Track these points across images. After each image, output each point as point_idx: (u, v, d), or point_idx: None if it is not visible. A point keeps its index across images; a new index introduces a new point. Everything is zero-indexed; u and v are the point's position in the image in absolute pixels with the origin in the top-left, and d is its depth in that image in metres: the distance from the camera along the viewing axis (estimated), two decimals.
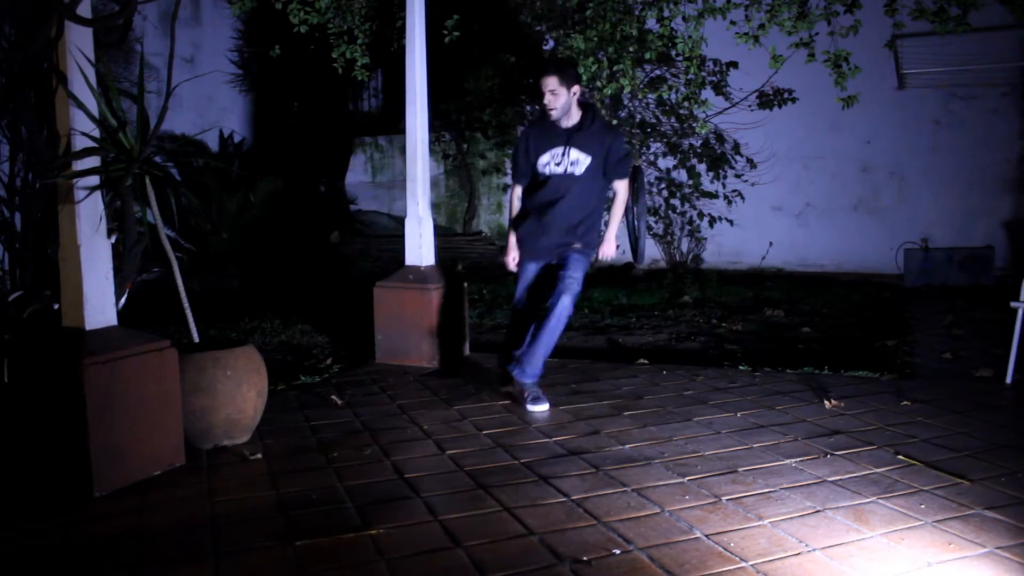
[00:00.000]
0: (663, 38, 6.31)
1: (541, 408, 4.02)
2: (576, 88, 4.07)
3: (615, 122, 8.55)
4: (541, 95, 4.08)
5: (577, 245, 4.12)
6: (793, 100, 8.49)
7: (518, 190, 4.34)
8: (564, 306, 3.99)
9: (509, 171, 10.22)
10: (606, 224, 4.29)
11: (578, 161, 4.08)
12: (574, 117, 4.11)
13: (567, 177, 4.10)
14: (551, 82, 4.02)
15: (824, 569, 2.39)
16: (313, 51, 7.07)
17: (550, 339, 4.03)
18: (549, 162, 4.13)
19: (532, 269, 4.24)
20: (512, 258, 4.27)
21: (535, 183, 4.21)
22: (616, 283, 8.14)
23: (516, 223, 4.29)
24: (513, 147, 4.46)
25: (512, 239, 4.30)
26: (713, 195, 9.00)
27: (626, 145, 4.17)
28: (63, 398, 2.97)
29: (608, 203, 4.40)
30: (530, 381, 4.09)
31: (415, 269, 5.15)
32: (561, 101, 4.03)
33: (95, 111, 3.13)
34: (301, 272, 8.47)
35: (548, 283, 4.13)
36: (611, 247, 4.23)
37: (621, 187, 4.23)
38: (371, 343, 5.17)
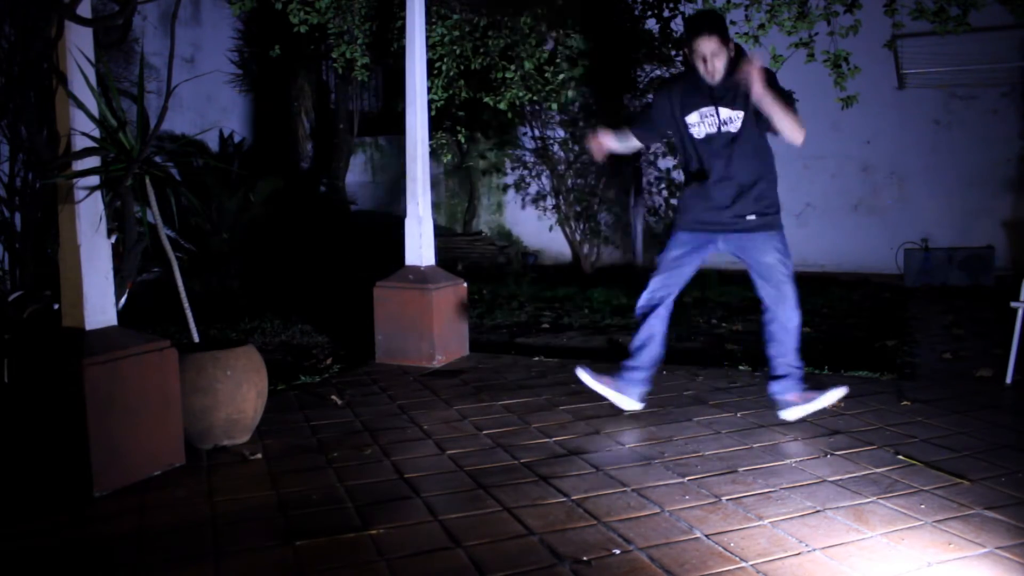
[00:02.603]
0: (663, 38, 6.31)
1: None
2: (732, 44, 3.50)
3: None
4: (694, 59, 3.48)
5: (752, 218, 3.61)
6: (793, 100, 8.48)
7: (633, 134, 3.84)
8: (790, 317, 3.63)
9: (509, 170, 10.23)
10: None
11: (731, 119, 3.55)
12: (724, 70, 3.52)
13: (722, 136, 3.57)
14: (711, 44, 3.42)
15: (824, 569, 2.39)
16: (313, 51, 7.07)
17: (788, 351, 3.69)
18: (699, 122, 3.60)
19: (684, 239, 3.74)
20: (597, 144, 3.82)
21: (689, 150, 3.70)
22: (616, 283, 8.13)
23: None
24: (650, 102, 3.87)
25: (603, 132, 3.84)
26: None
27: (775, 81, 3.53)
28: (63, 398, 2.97)
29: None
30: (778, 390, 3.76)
31: (415, 269, 5.15)
32: (722, 63, 3.45)
33: (95, 111, 3.13)
34: (301, 272, 8.47)
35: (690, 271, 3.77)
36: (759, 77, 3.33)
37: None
38: (371, 343, 5.18)
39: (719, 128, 3.59)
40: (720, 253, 3.81)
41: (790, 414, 3.74)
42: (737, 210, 3.63)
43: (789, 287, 3.66)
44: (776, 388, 3.78)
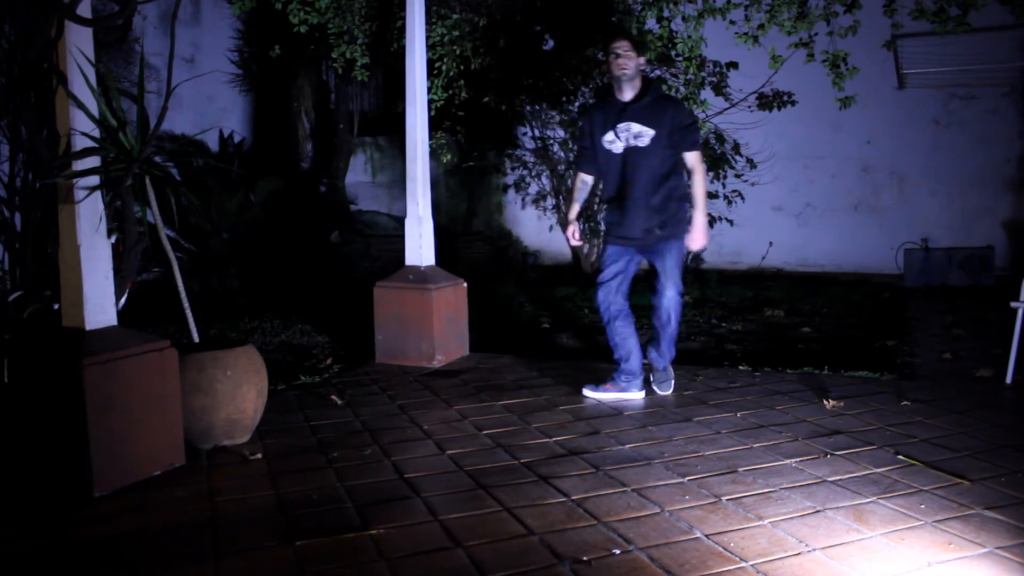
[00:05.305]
0: (663, 38, 6.30)
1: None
2: (642, 59, 4.09)
3: None
4: (609, 60, 4.02)
5: (660, 232, 4.07)
6: (792, 103, 8.48)
7: (582, 176, 4.34)
8: (671, 300, 4.14)
9: (510, 170, 10.23)
10: (690, 209, 4.13)
11: (642, 133, 4.01)
12: (636, 88, 4.06)
13: (633, 151, 4.03)
14: (623, 45, 4.02)
15: (824, 569, 2.39)
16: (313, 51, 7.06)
17: (675, 333, 4.26)
18: (613, 139, 4.07)
19: (616, 252, 4.19)
20: (572, 232, 4.35)
21: (603, 165, 4.17)
22: None
23: (603, 210, 4.39)
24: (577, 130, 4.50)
25: (573, 214, 4.34)
26: (713, 195, 8.97)
27: (687, 116, 4.16)
28: (63, 398, 2.97)
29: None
30: (663, 365, 4.32)
31: (415, 269, 5.15)
32: (632, 63, 4.00)
33: (95, 111, 3.14)
34: (301, 272, 8.47)
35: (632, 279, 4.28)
36: (701, 235, 4.06)
37: (693, 160, 4.09)
38: (371, 343, 5.18)
39: (630, 141, 4.03)
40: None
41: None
42: (651, 223, 4.08)
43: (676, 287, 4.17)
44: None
